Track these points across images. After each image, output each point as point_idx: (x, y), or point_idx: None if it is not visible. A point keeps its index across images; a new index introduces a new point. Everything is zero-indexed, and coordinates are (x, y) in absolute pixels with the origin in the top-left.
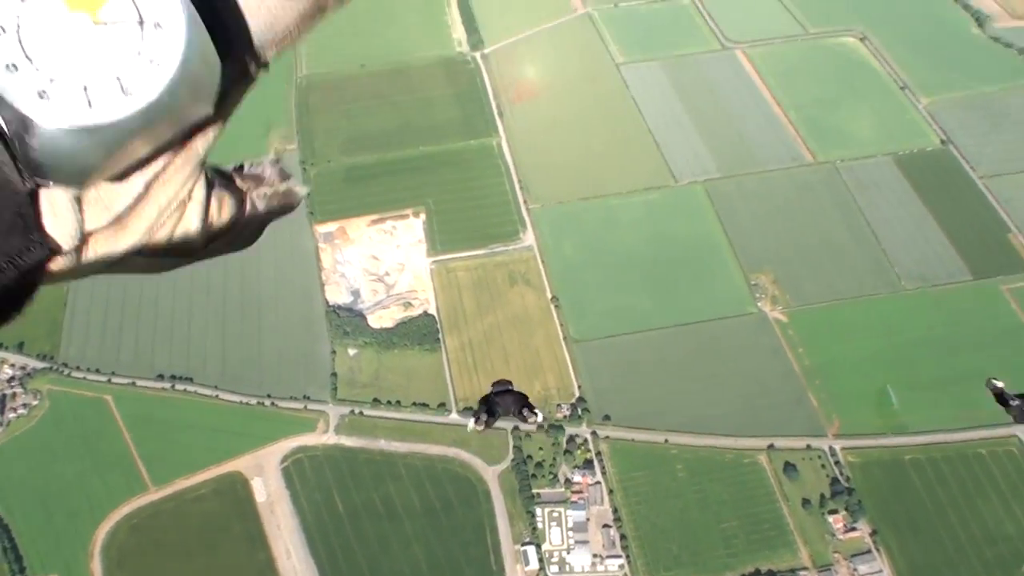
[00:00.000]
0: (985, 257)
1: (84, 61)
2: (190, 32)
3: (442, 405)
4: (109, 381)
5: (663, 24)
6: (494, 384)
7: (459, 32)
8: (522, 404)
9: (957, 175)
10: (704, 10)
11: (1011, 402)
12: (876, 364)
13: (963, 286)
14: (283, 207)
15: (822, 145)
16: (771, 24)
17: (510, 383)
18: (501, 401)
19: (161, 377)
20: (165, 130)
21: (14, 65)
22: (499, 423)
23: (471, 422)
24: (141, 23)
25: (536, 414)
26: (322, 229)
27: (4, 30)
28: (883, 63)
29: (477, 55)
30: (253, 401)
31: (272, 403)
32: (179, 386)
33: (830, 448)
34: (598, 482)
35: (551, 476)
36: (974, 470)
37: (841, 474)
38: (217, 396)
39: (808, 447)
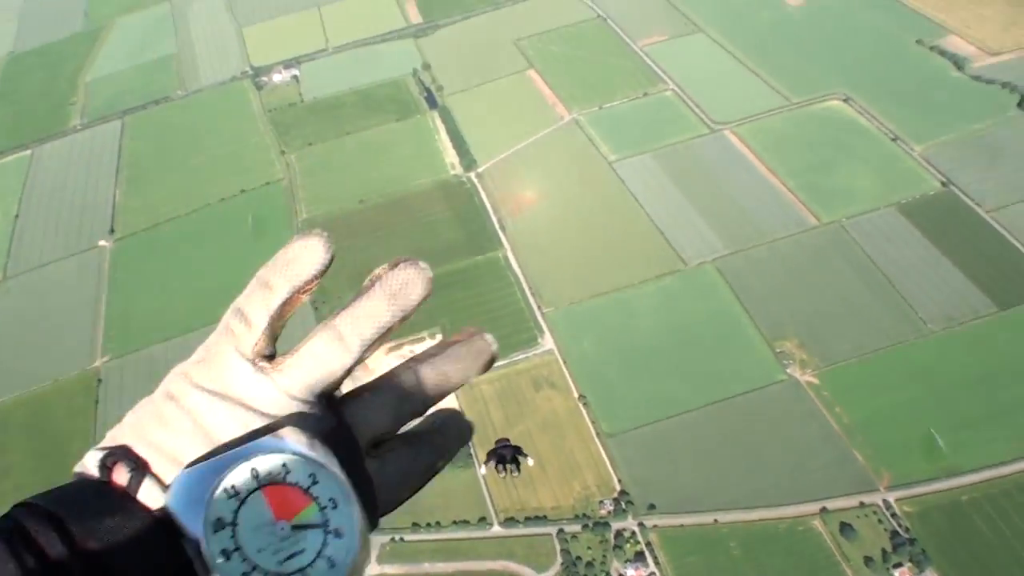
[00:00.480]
0: (1007, 288)
1: (280, 558)
2: (362, 538)
3: (483, 519)
4: None
5: (649, 118)
6: (497, 442)
7: (451, 156)
8: (516, 451)
9: (964, 213)
10: (687, 98)
11: None
12: (917, 411)
13: (991, 319)
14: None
15: (825, 207)
16: (755, 101)
17: (508, 439)
18: (504, 451)
19: None
20: None
21: (227, 553)
22: (544, 528)
23: (483, 468)
24: (326, 530)
25: (527, 457)
26: None
27: (226, 523)
28: (871, 119)
29: (472, 175)
30: None
31: None
32: None
33: (884, 502)
34: (652, 573)
35: (603, 574)
36: None
37: (900, 526)
38: None
39: (862, 504)
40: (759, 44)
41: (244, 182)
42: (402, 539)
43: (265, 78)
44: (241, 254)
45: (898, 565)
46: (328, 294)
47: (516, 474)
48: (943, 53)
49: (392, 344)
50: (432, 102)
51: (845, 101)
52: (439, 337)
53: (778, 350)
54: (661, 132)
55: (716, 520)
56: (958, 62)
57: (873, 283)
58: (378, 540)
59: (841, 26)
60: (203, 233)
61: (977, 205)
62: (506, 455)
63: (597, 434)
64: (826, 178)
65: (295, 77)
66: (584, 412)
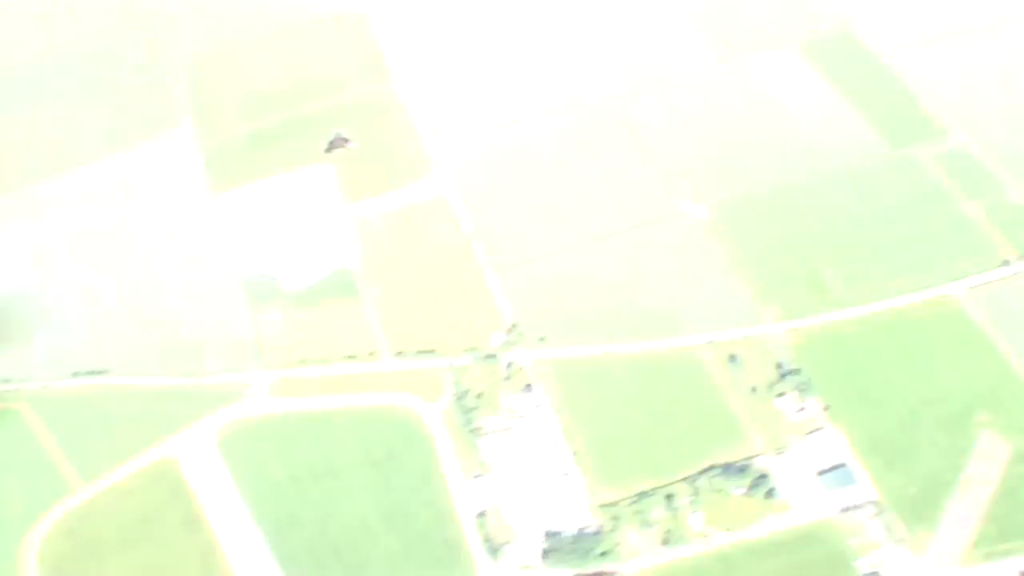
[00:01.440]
0: (900, 128)
1: None
2: None
3: (372, 354)
4: (19, 390)
5: None
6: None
7: None
8: (344, 140)
9: (862, 54)
10: None
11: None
12: (807, 246)
13: (882, 159)
14: None
15: (727, 45)
16: None
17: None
18: (335, 140)
19: (76, 375)
20: None
21: None
22: (434, 360)
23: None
24: None
25: (351, 141)
26: (227, 197)
27: None
28: None
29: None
30: (176, 382)
31: (196, 380)
32: (96, 381)
33: (771, 334)
34: (541, 403)
35: (493, 405)
36: (915, 333)
37: (785, 356)
38: (137, 383)
39: (748, 336)
40: None
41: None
42: (290, 375)
43: None
44: (123, 87)
45: (782, 394)
46: (216, 126)
47: (351, 145)
48: None
49: (281, 177)
50: None
51: None
52: (331, 170)
53: (673, 186)
54: None
55: (605, 352)
56: None
57: (770, 121)
58: (266, 377)
59: None
60: None
61: (875, 46)
62: (336, 143)
63: (490, 267)
64: (729, 15)
65: None
66: (476, 245)
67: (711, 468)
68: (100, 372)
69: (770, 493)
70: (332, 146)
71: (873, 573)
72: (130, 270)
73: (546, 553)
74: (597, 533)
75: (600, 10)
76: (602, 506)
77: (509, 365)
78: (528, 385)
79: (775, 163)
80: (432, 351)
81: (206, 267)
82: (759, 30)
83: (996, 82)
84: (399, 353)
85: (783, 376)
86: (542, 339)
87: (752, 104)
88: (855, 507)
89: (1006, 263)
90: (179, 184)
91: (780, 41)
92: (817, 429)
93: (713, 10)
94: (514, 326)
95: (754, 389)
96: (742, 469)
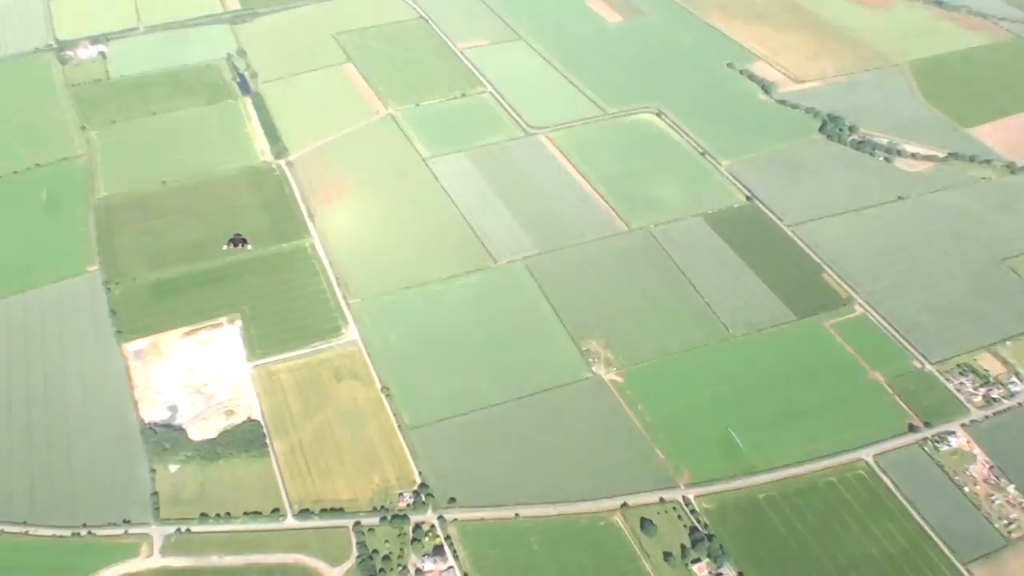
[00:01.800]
0: (804, 298)
1: None
2: None
3: (276, 511)
4: None
5: (465, 118)
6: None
7: (261, 143)
8: (243, 240)
9: (766, 227)
10: (504, 101)
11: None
12: (716, 411)
13: (788, 327)
14: None
15: (634, 213)
16: (570, 109)
17: (239, 234)
18: (236, 239)
19: None
20: None
21: None
22: (340, 520)
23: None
24: None
25: (249, 243)
26: (132, 347)
27: None
28: (681, 134)
29: (282, 163)
30: (67, 532)
31: (89, 532)
32: None
33: (684, 498)
34: (451, 567)
35: (400, 568)
36: (828, 498)
37: (699, 522)
38: (27, 532)
39: (661, 500)
40: (577, 55)
41: (40, 156)
42: (188, 530)
43: (70, 53)
44: (32, 229)
45: (696, 560)
46: (124, 275)
47: (247, 247)
48: (752, 77)
49: (188, 328)
50: (245, 88)
51: (657, 115)
52: (238, 323)
53: (584, 348)
54: (477, 132)
55: (517, 514)
56: (766, 87)
57: (678, 288)
58: (162, 532)
59: (657, 45)
60: None
61: (779, 219)
62: (236, 240)
63: (399, 426)
64: (637, 186)
65: (102, 54)
66: (386, 404)
67: None
68: None
69: None
70: (233, 243)
71: None
72: (26, 413)
73: None
74: None
75: (508, 177)
76: None
77: (417, 526)
78: (437, 547)
79: (684, 329)
80: (338, 510)
81: (105, 415)
82: (665, 200)
83: (894, 255)
84: (304, 511)
85: (697, 542)
86: (452, 500)
87: (659, 271)
88: None
89: (912, 428)
90: (83, 330)
91: (686, 211)
92: None
93: (620, 180)
94: (424, 486)
95: (668, 555)
96: None
